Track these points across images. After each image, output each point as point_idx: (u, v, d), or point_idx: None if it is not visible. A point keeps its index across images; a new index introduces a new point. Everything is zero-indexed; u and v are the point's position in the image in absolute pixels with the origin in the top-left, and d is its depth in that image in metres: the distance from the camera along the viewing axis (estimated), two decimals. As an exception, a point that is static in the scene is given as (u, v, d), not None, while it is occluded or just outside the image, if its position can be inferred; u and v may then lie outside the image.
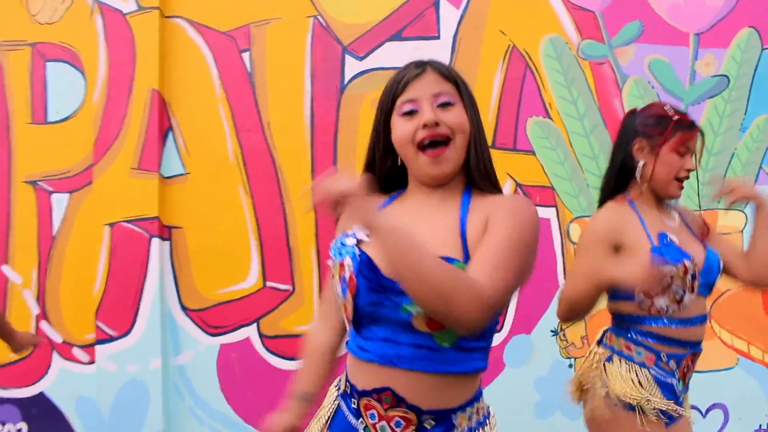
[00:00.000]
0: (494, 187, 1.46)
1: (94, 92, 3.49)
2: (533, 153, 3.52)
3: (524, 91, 3.55)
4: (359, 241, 1.40)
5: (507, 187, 3.49)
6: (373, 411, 1.38)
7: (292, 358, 3.45)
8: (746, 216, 3.47)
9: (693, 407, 3.45)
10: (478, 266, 1.29)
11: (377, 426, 1.38)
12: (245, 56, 3.57)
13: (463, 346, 1.35)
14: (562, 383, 3.36)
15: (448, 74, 1.46)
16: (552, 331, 3.48)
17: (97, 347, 3.45)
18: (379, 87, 3.47)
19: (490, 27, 3.55)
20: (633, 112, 2.20)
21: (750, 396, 3.51)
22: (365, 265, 1.34)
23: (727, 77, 3.55)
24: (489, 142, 3.30)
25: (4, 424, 3.54)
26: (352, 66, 3.56)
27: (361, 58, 3.56)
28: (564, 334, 3.47)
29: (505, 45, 3.54)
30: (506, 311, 3.48)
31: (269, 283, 3.56)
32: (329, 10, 3.54)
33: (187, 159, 3.57)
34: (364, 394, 1.39)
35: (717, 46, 3.56)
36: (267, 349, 3.55)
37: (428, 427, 1.36)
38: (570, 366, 3.45)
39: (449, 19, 3.54)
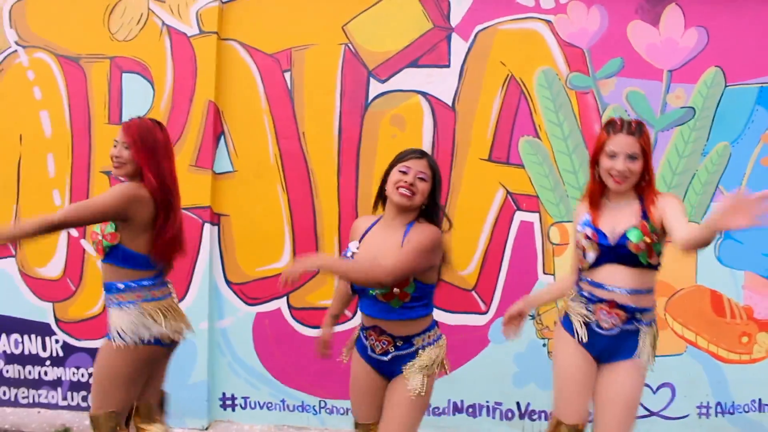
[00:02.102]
0: (433, 220, 2.45)
1: (161, 100, 3.89)
2: (523, 167, 3.87)
3: (518, 114, 3.87)
4: (353, 254, 2.45)
5: (499, 194, 3.88)
6: (372, 336, 2.48)
7: (315, 327, 3.80)
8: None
9: (644, 385, 3.91)
10: (392, 254, 2.33)
11: (374, 343, 2.47)
12: (287, 75, 3.92)
13: (407, 305, 2.39)
14: (537, 359, 3.88)
15: (432, 165, 2.45)
16: (530, 316, 3.83)
17: None
18: (397, 106, 3.94)
19: (493, 59, 3.88)
20: None
21: (695, 378, 3.87)
22: None
23: (694, 109, 3.85)
24: (486, 156, 3.84)
25: (78, 368, 4.04)
26: (375, 87, 3.90)
27: (383, 81, 3.90)
28: (540, 319, 3.88)
29: (504, 74, 3.88)
30: (492, 298, 3.92)
31: None
32: (358, 39, 3.91)
33: (236, 159, 3.95)
34: (366, 329, 2.51)
35: (686, 82, 3.85)
36: (294, 318, 3.95)
37: (399, 344, 2.44)
38: (544, 345, 3.87)
39: (459, 50, 3.88)
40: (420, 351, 2.45)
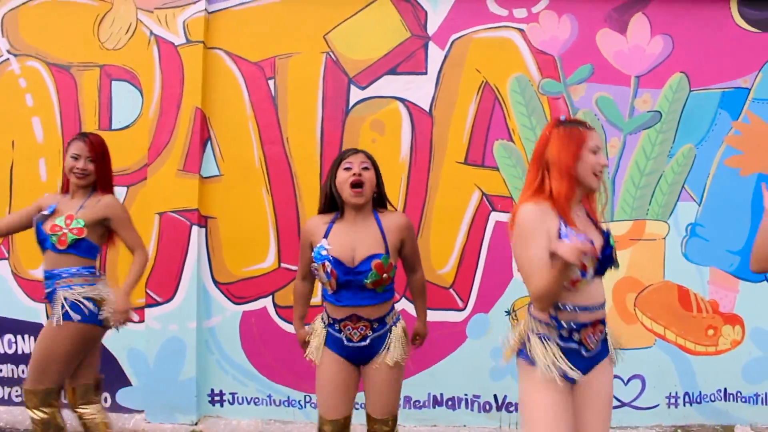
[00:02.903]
0: (385, 206, 2.72)
1: (150, 107, 3.98)
2: (498, 169, 4.00)
3: (493, 118, 4.00)
4: (327, 250, 2.58)
5: (474, 196, 4.01)
6: (349, 326, 2.61)
7: None
8: (669, 225, 4.04)
9: (616, 377, 4.02)
10: (416, 264, 2.85)
11: (351, 333, 2.61)
12: (271, 83, 4.02)
13: (386, 289, 2.63)
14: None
15: (369, 156, 2.68)
16: (506, 312, 3.99)
17: (146, 310, 3.95)
18: (377, 112, 4.02)
19: (468, 66, 4.01)
20: None
21: (664, 370, 4.02)
22: (338, 263, 2.56)
23: (660, 113, 4.00)
24: (462, 159, 3.98)
25: None
26: (355, 94, 4.01)
27: (363, 88, 4.01)
28: (515, 315, 4.00)
29: (479, 81, 4.01)
30: (469, 295, 4.04)
31: (283, 264, 4.02)
32: (339, 47, 4.02)
33: (222, 163, 4.04)
34: (341, 320, 2.62)
35: (653, 87, 4.01)
36: (280, 316, 4.04)
37: (375, 326, 2.62)
38: None
39: (435, 58, 4.00)
40: (393, 327, 2.68)
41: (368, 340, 2.62)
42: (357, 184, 2.56)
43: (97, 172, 3.13)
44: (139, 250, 3.18)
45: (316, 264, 2.60)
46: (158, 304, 3.98)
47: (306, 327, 2.87)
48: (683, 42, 4.04)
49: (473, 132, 4.03)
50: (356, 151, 2.67)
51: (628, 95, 4.03)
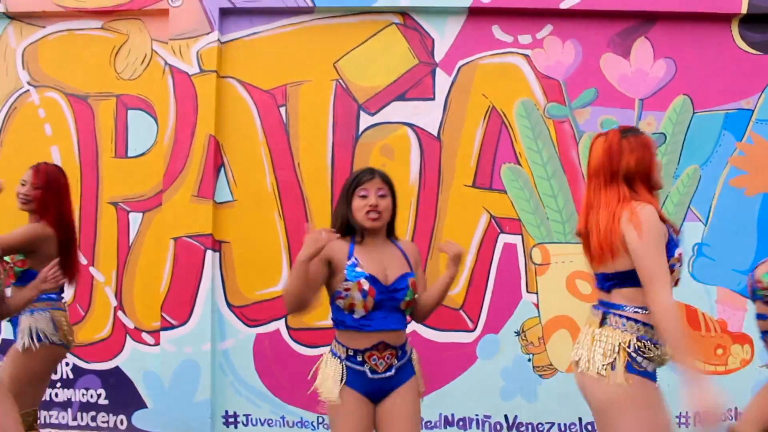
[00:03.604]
0: (393, 232, 2.58)
1: (165, 135, 4.06)
2: (505, 192, 4.05)
3: (500, 142, 4.06)
4: (362, 267, 2.37)
5: (483, 218, 4.06)
6: (375, 356, 2.38)
7: (312, 346, 4.01)
8: None
9: None
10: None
11: (377, 363, 2.38)
12: (282, 110, 4.10)
13: (408, 313, 2.49)
14: (523, 374, 4.04)
15: (386, 179, 2.49)
16: (515, 332, 4.03)
17: (162, 333, 4.00)
18: (386, 137, 4.06)
19: (475, 91, 4.08)
20: None
21: (673, 389, 3.91)
22: (374, 280, 2.37)
23: (665, 134, 4.05)
24: (470, 182, 4.02)
25: (87, 389, 4.17)
26: (365, 120, 4.09)
27: (373, 114, 4.09)
28: (525, 335, 4.04)
29: (486, 106, 4.07)
30: (479, 316, 4.07)
31: None
32: (348, 75, 4.11)
33: (235, 189, 4.11)
34: (366, 350, 2.38)
35: (657, 110, 4.05)
36: (292, 338, 4.07)
37: (400, 354, 2.42)
38: (529, 360, 4.04)
39: (443, 84, 4.07)
40: (411, 356, 2.52)
41: (393, 370, 2.40)
42: (374, 212, 2.42)
43: (38, 199, 3.15)
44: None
45: (349, 283, 2.32)
46: (173, 327, 4.03)
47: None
48: (686, 65, 4.10)
49: (481, 156, 4.09)
50: (372, 175, 2.45)
51: (633, 118, 4.08)
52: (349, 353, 2.40)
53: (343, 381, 2.38)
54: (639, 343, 2.10)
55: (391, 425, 2.40)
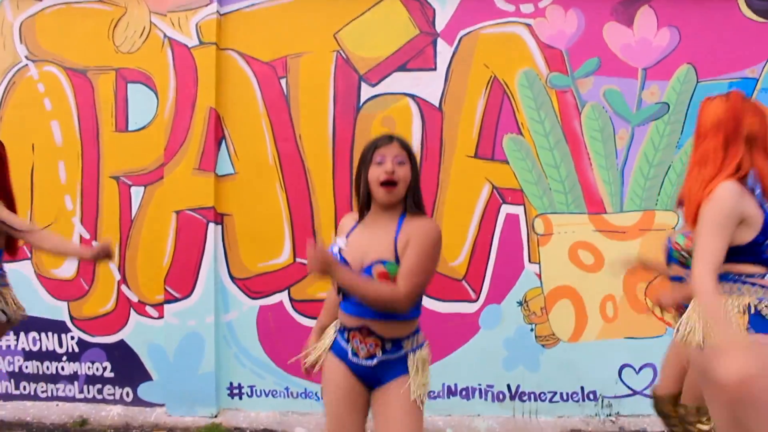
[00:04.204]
0: (420, 210, 2.23)
1: (165, 108, 4.04)
2: (507, 162, 4.03)
3: (502, 112, 4.03)
4: (341, 250, 2.25)
5: (485, 189, 4.05)
6: (357, 338, 2.23)
7: (315, 317, 3.79)
8: (678, 215, 4.02)
9: (628, 365, 4.09)
10: (402, 274, 2.09)
11: (359, 347, 2.22)
12: (283, 82, 4.08)
13: (407, 315, 2.19)
14: (525, 343, 4.06)
15: (405, 145, 2.24)
16: (518, 302, 4.04)
17: (165, 306, 4.03)
18: (388, 108, 4.05)
19: (477, 61, 4.05)
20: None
21: None
22: (345, 264, 2.18)
23: (668, 104, 4.02)
24: (472, 153, 4.02)
25: (93, 362, 4.21)
26: (366, 91, 4.06)
27: (374, 85, 4.07)
28: (527, 305, 4.06)
29: (488, 76, 4.05)
30: (481, 286, 4.10)
31: (298, 259, 4.08)
32: (349, 46, 4.07)
33: (236, 161, 4.10)
34: (351, 329, 2.24)
35: (660, 79, 4.02)
36: (296, 310, 4.10)
37: (388, 347, 2.21)
38: (531, 330, 4.06)
39: (444, 54, 4.04)
40: (410, 354, 2.22)
41: (375, 361, 2.19)
42: (389, 182, 2.16)
43: None
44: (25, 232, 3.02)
45: None
46: (177, 300, 4.05)
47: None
48: (690, 34, 4.05)
49: (483, 126, 4.07)
50: (390, 140, 2.21)
51: (636, 87, 4.05)
52: (341, 327, 2.31)
53: (329, 347, 2.34)
54: (761, 305, 2.05)
55: (377, 425, 2.21)
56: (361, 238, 2.25)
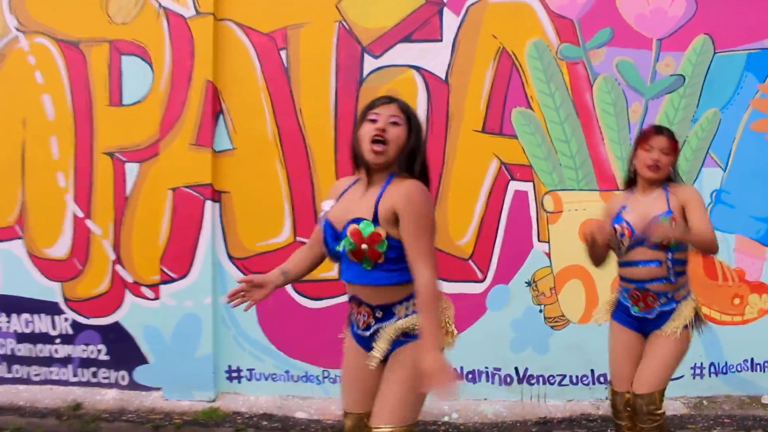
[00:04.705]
0: (425, 177, 2.12)
1: (160, 81, 3.94)
2: (516, 137, 3.93)
3: (510, 85, 3.93)
4: (326, 213, 2.15)
5: (493, 165, 3.94)
6: (354, 310, 2.19)
7: (317, 299, 3.97)
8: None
9: None
10: (414, 258, 2.00)
11: (357, 317, 2.18)
12: (283, 54, 3.98)
13: (384, 267, 2.06)
14: (534, 325, 3.96)
15: (405, 108, 2.14)
16: (526, 283, 3.96)
17: (161, 287, 3.96)
18: (392, 81, 3.99)
19: (484, 32, 3.93)
20: None
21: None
22: (329, 227, 2.12)
23: (683, 76, 3.91)
24: (480, 127, 3.90)
25: (87, 345, 4.13)
26: (369, 63, 3.96)
27: (377, 57, 3.96)
28: (536, 285, 3.96)
29: (496, 47, 3.94)
30: (488, 266, 3.99)
31: (298, 238, 3.99)
32: (352, 16, 3.96)
33: (235, 137, 4.01)
34: (350, 300, 2.20)
35: (676, 50, 3.91)
36: (296, 290, 4.03)
37: (379, 315, 2.12)
38: (540, 311, 3.96)
39: (450, 25, 3.93)
40: (404, 319, 2.11)
41: (371, 330, 2.13)
42: (378, 140, 2.05)
43: None
44: None
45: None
46: (173, 280, 3.98)
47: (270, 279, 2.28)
48: (706, 3, 3.93)
49: (491, 100, 3.97)
50: (389, 100, 2.12)
51: (650, 59, 3.95)
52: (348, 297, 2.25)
53: (348, 321, 2.28)
54: None
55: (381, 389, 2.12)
56: (349, 200, 2.16)
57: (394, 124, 2.07)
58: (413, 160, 2.11)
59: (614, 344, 2.85)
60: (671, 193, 2.71)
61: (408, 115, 2.12)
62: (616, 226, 2.74)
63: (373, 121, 2.08)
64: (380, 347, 2.11)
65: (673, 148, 2.73)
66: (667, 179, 2.77)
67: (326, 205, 2.18)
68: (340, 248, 2.07)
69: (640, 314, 2.72)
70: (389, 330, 2.10)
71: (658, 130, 2.77)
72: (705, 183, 3.95)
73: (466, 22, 3.97)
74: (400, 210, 2.01)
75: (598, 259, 2.86)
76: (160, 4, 3.98)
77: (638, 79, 3.96)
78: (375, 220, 2.03)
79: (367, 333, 2.14)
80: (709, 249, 2.63)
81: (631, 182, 2.87)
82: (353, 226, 2.04)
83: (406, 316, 2.11)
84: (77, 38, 4.10)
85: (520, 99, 3.97)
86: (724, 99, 3.95)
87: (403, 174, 2.10)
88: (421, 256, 2.00)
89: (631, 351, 2.78)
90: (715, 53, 3.94)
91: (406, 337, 2.10)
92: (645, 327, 2.75)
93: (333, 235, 2.11)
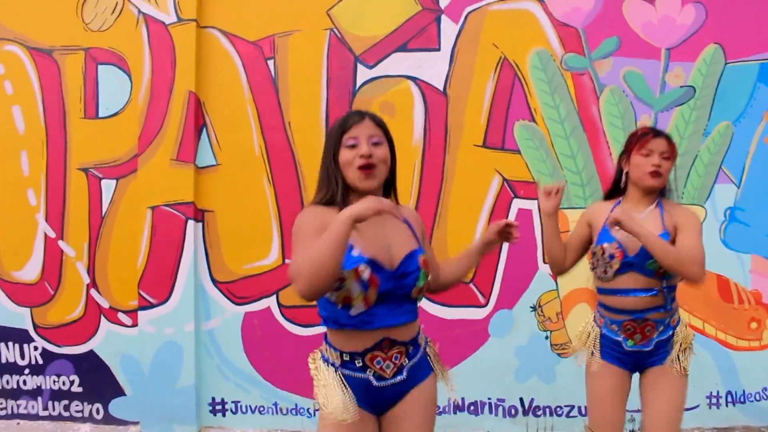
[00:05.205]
0: (396, 195, 2.10)
1: (139, 92, 3.80)
2: (519, 152, 3.80)
3: (513, 97, 3.81)
4: (358, 250, 1.88)
5: (495, 181, 3.80)
6: (379, 358, 1.92)
7: (306, 325, 3.80)
8: (705, 209, 3.79)
9: None
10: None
11: (383, 366, 1.92)
12: (270, 63, 3.86)
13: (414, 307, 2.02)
14: (539, 352, 3.79)
15: (379, 122, 2.00)
16: (531, 307, 3.80)
17: (140, 312, 3.80)
18: (387, 92, 3.88)
19: (485, 40, 3.81)
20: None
21: (704, 367, 3.74)
22: (376, 266, 1.86)
23: (694, 88, 3.80)
24: (480, 141, 3.79)
25: (59, 376, 3.93)
26: (363, 73, 3.83)
27: (371, 67, 3.83)
28: (542, 310, 3.79)
29: (497, 57, 3.81)
30: (491, 290, 3.82)
31: (287, 261, 3.83)
32: (344, 23, 3.83)
33: (219, 152, 3.87)
34: (368, 351, 1.91)
35: (685, 60, 3.80)
36: (285, 317, 3.86)
37: (410, 350, 1.97)
38: (546, 338, 3.79)
39: (449, 33, 3.81)
40: (427, 349, 2.06)
41: (405, 373, 1.95)
42: (367, 166, 1.93)
43: None
44: None
45: (343, 271, 1.81)
46: (152, 306, 3.82)
47: None
48: (717, 10, 3.82)
49: (492, 112, 3.85)
50: (361, 117, 1.97)
51: (659, 69, 3.84)
52: (345, 358, 1.93)
53: (346, 388, 1.93)
54: None
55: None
56: (369, 232, 1.93)
57: (376, 144, 1.95)
58: (391, 179, 2.06)
59: (601, 386, 2.51)
60: (666, 212, 2.43)
61: (384, 129, 2.01)
62: (605, 245, 2.43)
63: (352, 146, 1.93)
64: (442, 375, 2.10)
65: (673, 151, 2.46)
66: (661, 192, 2.51)
67: (352, 242, 1.87)
68: (420, 284, 1.92)
69: (635, 348, 2.43)
70: (432, 357, 2.07)
71: (656, 132, 2.49)
72: (718, 200, 3.82)
73: (465, 30, 3.84)
74: (424, 233, 2.13)
75: (551, 252, 2.68)
76: (139, 10, 3.84)
77: (647, 90, 3.83)
78: (420, 246, 2.03)
79: (401, 377, 1.94)
80: (690, 273, 2.26)
81: (615, 191, 2.58)
82: (422, 256, 1.96)
83: (426, 344, 2.08)
84: (50, 46, 3.94)
85: (523, 112, 3.84)
86: (736, 111, 3.83)
87: (395, 196, 2.10)
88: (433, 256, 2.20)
89: (622, 393, 2.49)
90: (726, 63, 3.82)
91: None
92: (640, 362, 2.46)
93: (386, 275, 1.88)
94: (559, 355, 3.82)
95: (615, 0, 3.83)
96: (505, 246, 3.80)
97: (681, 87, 3.82)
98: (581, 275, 3.74)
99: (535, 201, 3.78)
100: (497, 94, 3.84)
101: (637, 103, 3.82)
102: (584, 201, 3.80)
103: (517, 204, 3.83)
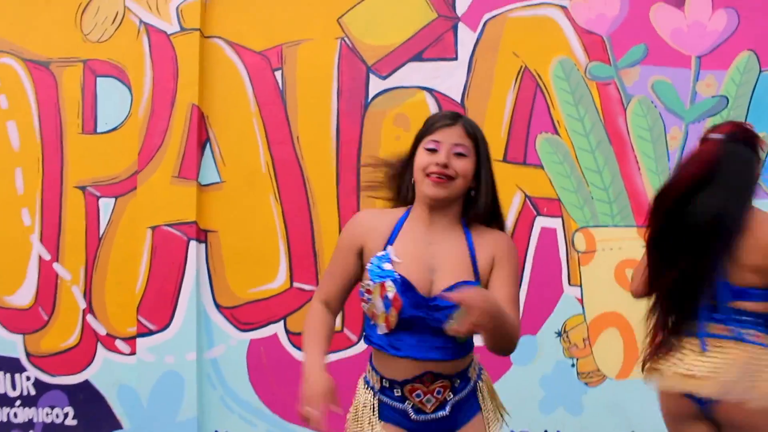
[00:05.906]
0: (497, 223, 1.90)
1: (140, 106, 3.74)
2: (542, 167, 3.70)
3: (535, 109, 3.72)
4: (394, 263, 1.78)
5: (516, 198, 3.69)
6: (419, 391, 1.81)
7: None
8: None
9: None
10: (507, 305, 1.72)
11: (423, 400, 1.82)
12: (278, 74, 3.80)
13: (468, 340, 1.84)
14: (565, 381, 3.63)
15: (472, 132, 1.85)
16: (556, 333, 3.66)
17: (138, 340, 3.69)
18: (401, 104, 3.78)
19: (504, 49, 3.74)
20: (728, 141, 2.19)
21: None
22: (407, 288, 1.75)
23: (727, 98, 3.69)
24: (500, 156, 3.65)
25: (53, 408, 3.79)
26: (375, 84, 3.77)
27: (384, 77, 3.77)
28: (567, 336, 3.65)
29: (517, 66, 3.73)
30: None
31: (296, 284, 3.76)
32: (355, 32, 3.77)
33: (223, 168, 3.80)
34: (406, 382, 1.81)
35: (717, 68, 3.70)
36: (293, 344, 3.74)
37: (457, 384, 1.84)
38: (572, 366, 3.64)
39: (466, 41, 3.74)
40: (479, 383, 1.92)
41: (448, 408, 1.83)
42: (439, 176, 1.78)
43: None
44: None
45: (370, 283, 1.77)
46: (152, 333, 3.72)
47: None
48: (750, 15, 3.72)
49: (512, 125, 3.75)
50: (453, 121, 1.83)
51: (689, 78, 3.73)
52: (385, 384, 1.84)
53: (376, 416, 1.86)
54: None
55: None
56: (418, 247, 1.83)
57: (459, 155, 1.80)
58: (487, 198, 1.86)
59: None
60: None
61: (476, 140, 1.86)
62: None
63: (433, 150, 1.80)
64: (493, 414, 1.95)
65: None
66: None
67: (393, 254, 1.80)
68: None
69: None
70: (483, 391, 1.93)
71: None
72: (755, 217, 3.66)
73: (484, 38, 3.78)
74: (499, 260, 1.83)
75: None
76: (140, 20, 3.79)
77: (677, 101, 3.72)
78: (477, 280, 1.81)
79: (443, 413, 1.83)
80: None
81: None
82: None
83: (478, 376, 1.93)
84: (47, 58, 3.89)
85: (545, 124, 3.75)
86: (773, 122, 3.74)
87: (479, 220, 1.88)
88: (513, 302, 1.82)
89: None
90: (761, 71, 3.71)
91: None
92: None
93: (414, 300, 1.76)
94: (586, 384, 3.67)
95: (642, 6, 3.74)
96: (528, 267, 3.70)
97: (713, 97, 3.72)
98: (609, 299, 3.72)
99: (560, 219, 3.70)
100: (518, 106, 3.76)
101: (666, 115, 3.72)
102: (611, 219, 3.68)
103: (540, 222, 3.73)
